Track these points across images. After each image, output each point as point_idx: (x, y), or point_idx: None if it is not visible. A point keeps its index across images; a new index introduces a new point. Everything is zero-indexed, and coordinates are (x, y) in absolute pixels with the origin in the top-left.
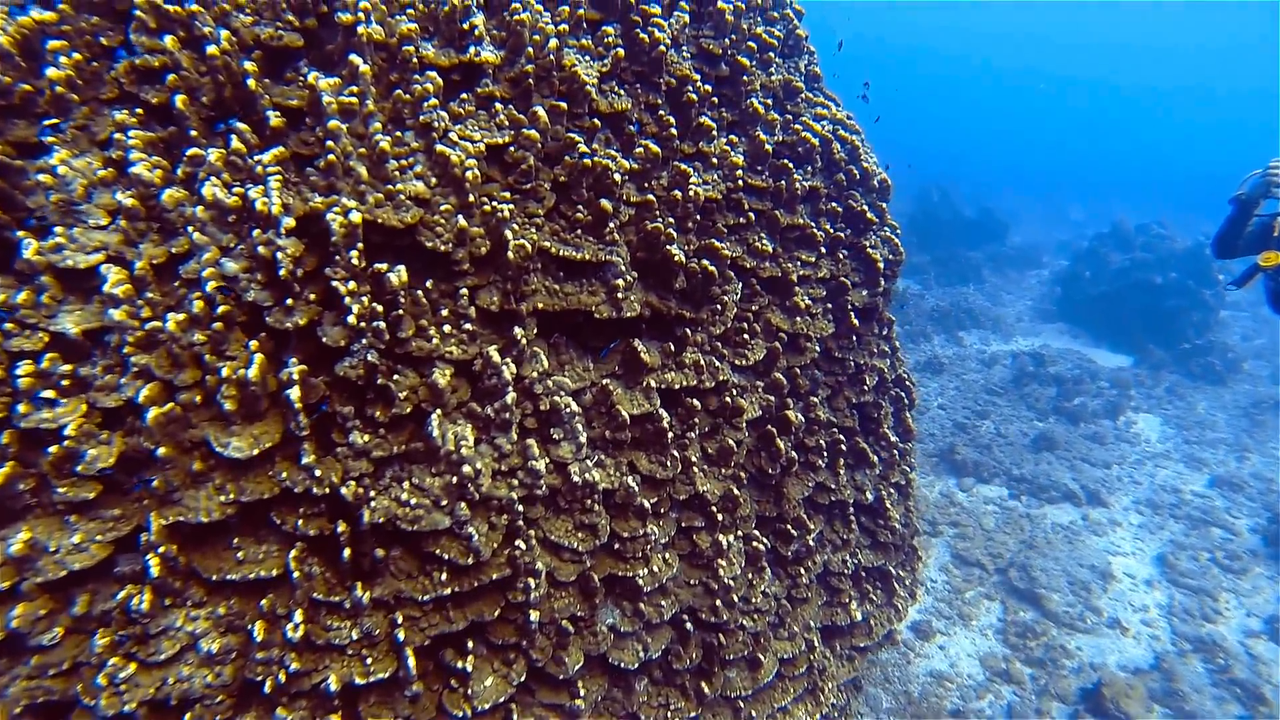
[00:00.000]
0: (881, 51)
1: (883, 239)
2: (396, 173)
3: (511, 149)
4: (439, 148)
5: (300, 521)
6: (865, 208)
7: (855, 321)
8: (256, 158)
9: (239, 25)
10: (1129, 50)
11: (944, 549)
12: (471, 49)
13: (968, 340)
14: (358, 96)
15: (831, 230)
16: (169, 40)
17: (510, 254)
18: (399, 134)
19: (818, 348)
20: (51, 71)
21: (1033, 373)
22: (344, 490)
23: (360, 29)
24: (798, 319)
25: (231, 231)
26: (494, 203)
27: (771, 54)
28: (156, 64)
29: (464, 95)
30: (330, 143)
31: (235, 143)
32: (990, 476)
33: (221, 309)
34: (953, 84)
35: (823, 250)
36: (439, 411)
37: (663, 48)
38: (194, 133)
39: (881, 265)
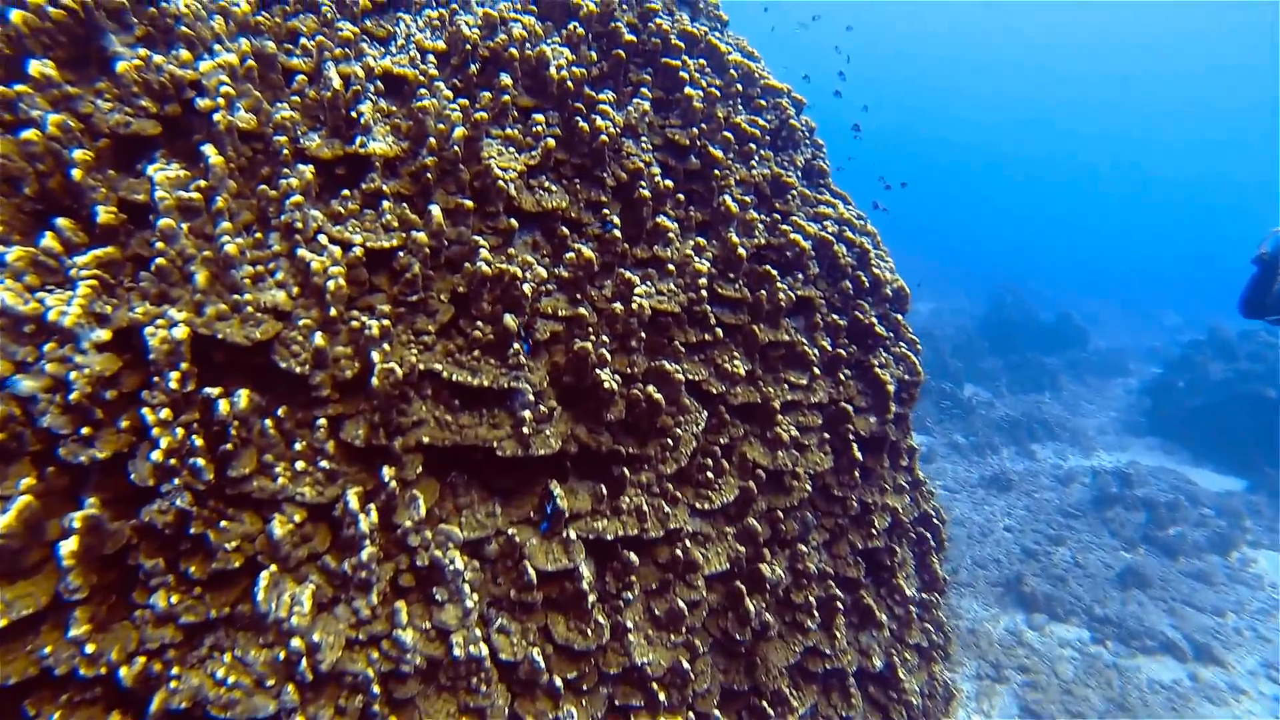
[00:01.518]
0: (945, 142)
1: (897, 356)
2: (248, 280)
3: (401, 255)
4: (300, 252)
5: (58, 715)
6: (874, 320)
7: (859, 454)
8: (75, 259)
9: (87, 110)
10: (1232, 146)
11: (1010, 699)
12: (359, 139)
13: (1041, 454)
14: (203, 192)
15: (830, 347)
16: None
17: (375, 379)
18: (259, 236)
19: (809, 486)
20: None
21: (1117, 494)
22: (123, 672)
23: (217, 115)
24: (781, 453)
25: (30, 344)
26: (364, 318)
27: (753, 145)
28: None
29: (346, 192)
30: (161, 243)
31: (48, 240)
32: (1066, 614)
33: None
34: (1033, 173)
35: (816, 370)
36: (272, 569)
37: (605, 137)
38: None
39: (893, 387)
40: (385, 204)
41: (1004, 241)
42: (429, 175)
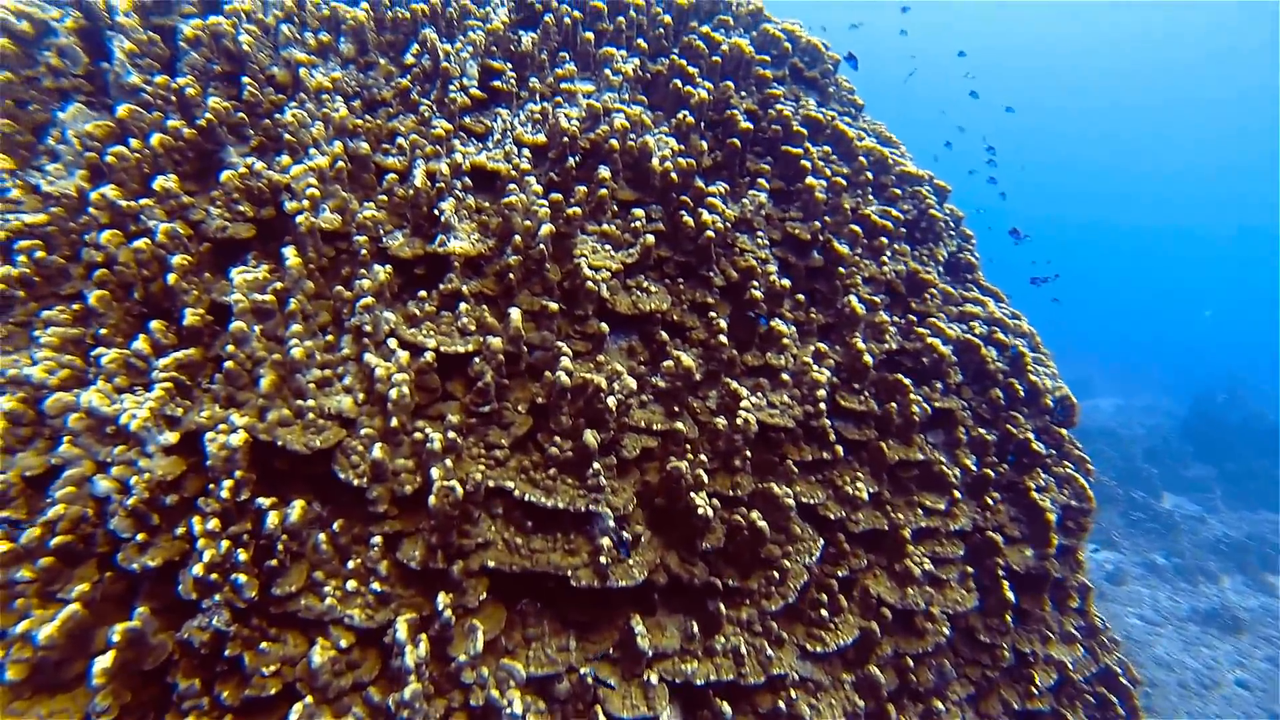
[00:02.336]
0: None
1: (1060, 478)
2: (314, 385)
3: (476, 361)
4: (367, 358)
5: None
6: (1030, 435)
7: (1010, 593)
8: (160, 361)
9: (199, 217)
10: None
11: None
12: (439, 238)
13: None
14: (278, 294)
15: (974, 467)
16: (105, 235)
17: (433, 498)
18: (331, 339)
19: (947, 629)
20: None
21: None
22: None
23: (300, 217)
24: (911, 589)
25: (111, 446)
26: (429, 429)
27: (885, 239)
28: (100, 258)
29: (423, 293)
30: (232, 346)
31: (140, 342)
32: None
33: (59, 538)
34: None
35: (957, 494)
36: (307, 699)
37: (711, 233)
38: (104, 330)
39: (1054, 515)
40: (463, 306)
41: (1202, 326)
42: (512, 276)
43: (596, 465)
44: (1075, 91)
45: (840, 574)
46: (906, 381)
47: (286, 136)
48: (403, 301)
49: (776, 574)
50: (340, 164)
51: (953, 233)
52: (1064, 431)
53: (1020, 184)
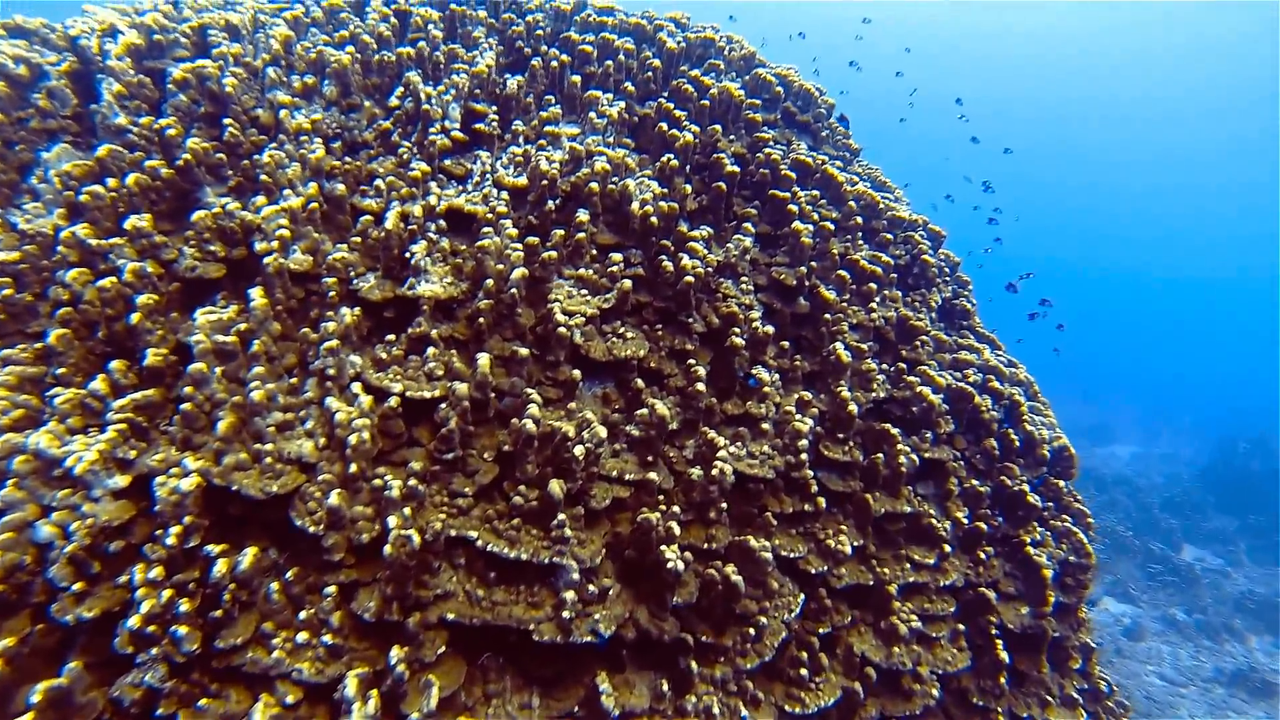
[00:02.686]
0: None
1: (1058, 532)
2: (274, 429)
3: (443, 407)
4: (329, 401)
5: None
6: (1025, 488)
7: (1004, 654)
8: (118, 402)
9: (171, 257)
10: None
11: None
12: (409, 281)
13: None
14: (242, 336)
15: (967, 521)
16: (72, 274)
17: (389, 546)
18: (295, 381)
19: (936, 690)
20: None
21: None
22: None
23: (268, 258)
24: (898, 647)
25: (58, 488)
26: (389, 476)
27: (874, 285)
28: (65, 296)
29: (391, 336)
30: (190, 388)
31: (98, 382)
32: None
33: None
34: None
35: (947, 548)
36: None
37: (691, 278)
38: (63, 370)
39: (1051, 571)
40: (430, 350)
41: (1221, 370)
42: (482, 320)
43: (561, 516)
44: (1076, 123)
45: (822, 631)
46: (894, 431)
47: (263, 177)
48: (371, 345)
49: (753, 630)
50: (314, 205)
51: (947, 278)
52: (1061, 483)
53: (1025, 225)
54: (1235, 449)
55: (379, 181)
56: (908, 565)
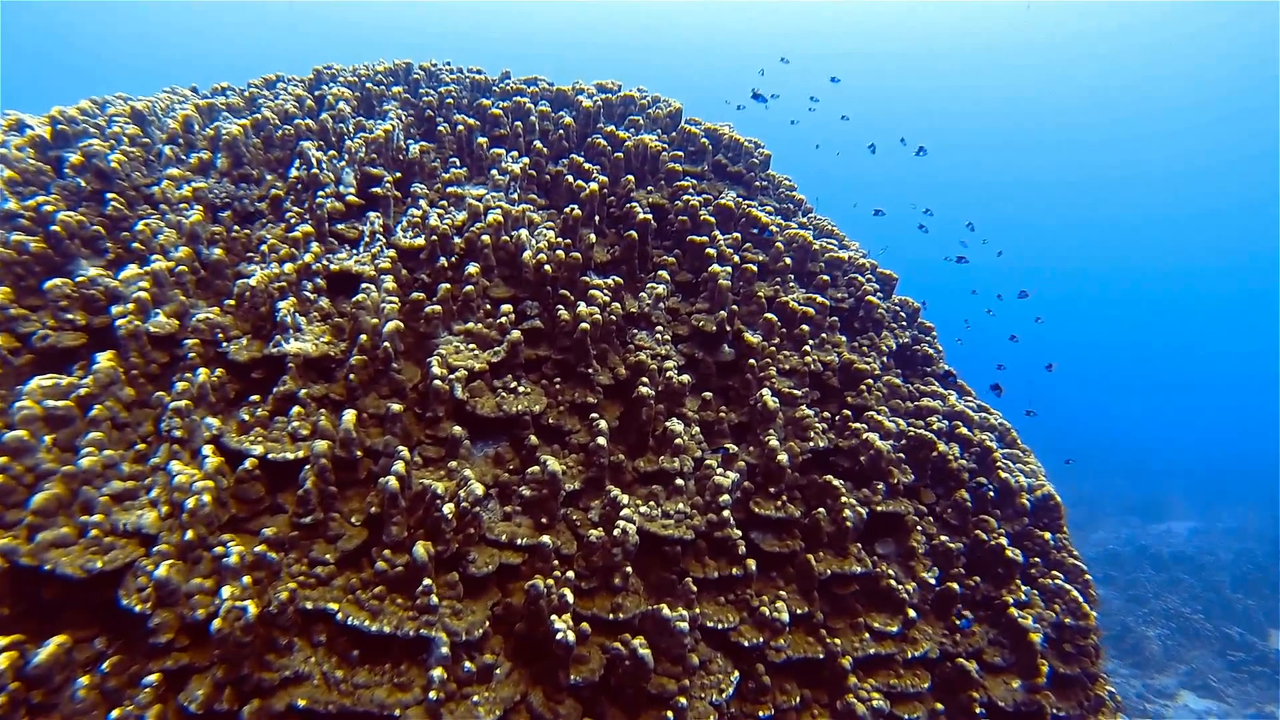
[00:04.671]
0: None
1: (1049, 591)
2: (109, 499)
3: (307, 468)
4: (171, 465)
5: None
6: (1003, 541)
7: None
8: None
9: (30, 329)
10: None
11: None
12: (275, 338)
13: None
14: (80, 401)
15: (934, 583)
16: None
17: (218, 621)
18: (142, 447)
19: None
20: None
21: None
22: None
23: (121, 320)
24: None
25: None
26: (233, 544)
27: (806, 327)
28: None
29: (255, 398)
30: (5, 459)
31: None
32: None
33: None
34: None
35: (911, 613)
36: None
37: (587, 325)
38: None
39: (1037, 636)
40: (295, 409)
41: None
42: (353, 376)
43: (428, 581)
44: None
45: (763, 715)
46: (837, 483)
47: (135, 245)
48: (239, 408)
49: (671, 714)
50: (183, 269)
51: (904, 323)
52: (1047, 535)
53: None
54: (1254, 555)
55: (264, 246)
56: (866, 635)
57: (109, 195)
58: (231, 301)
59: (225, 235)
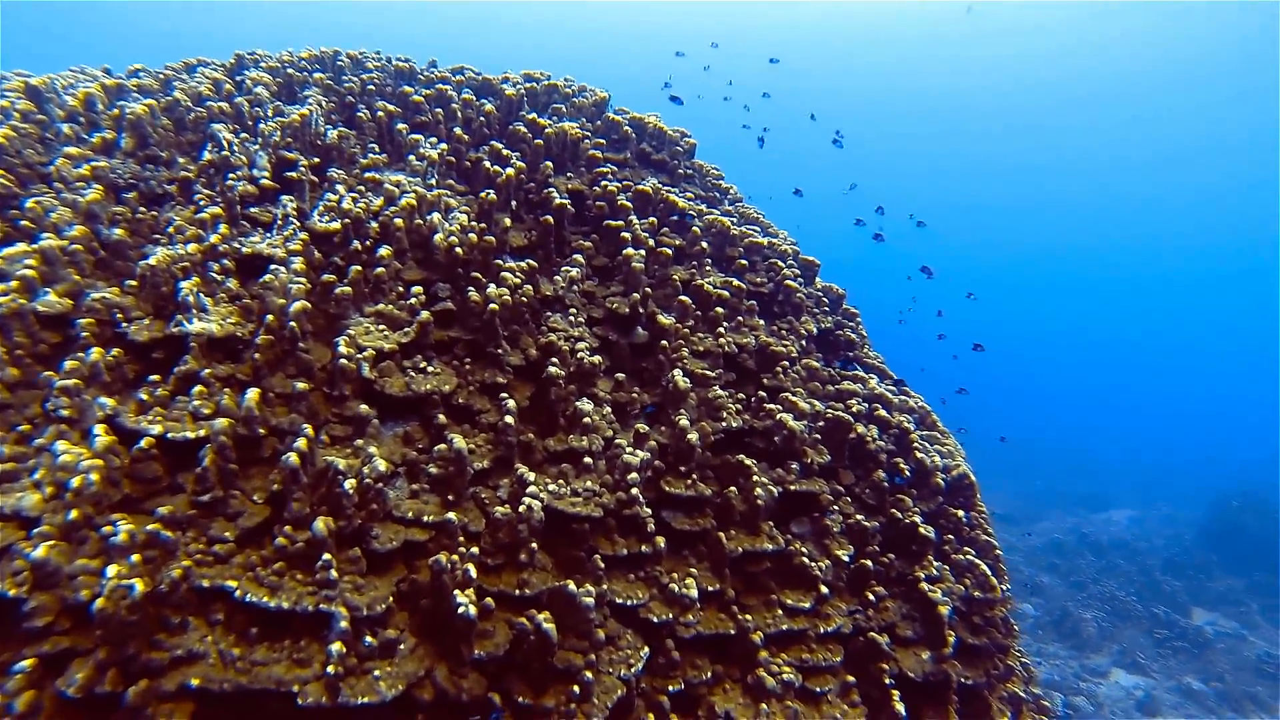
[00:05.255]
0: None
1: (960, 566)
2: None
3: (208, 446)
4: (56, 445)
5: None
6: (916, 519)
7: (899, 705)
8: None
9: None
10: None
11: None
12: (177, 318)
13: None
14: None
15: (848, 560)
16: None
17: (101, 600)
18: (26, 429)
19: None
20: None
21: None
22: None
23: (4, 299)
24: (770, 704)
25: None
26: (122, 523)
27: (721, 309)
28: None
29: (155, 377)
30: None
31: None
32: None
33: None
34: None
35: (824, 589)
36: None
37: (496, 306)
38: None
39: (946, 609)
40: (197, 389)
41: (1221, 421)
42: (258, 355)
43: (328, 556)
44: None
45: (673, 689)
46: (749, 462)
47: (24, 223)
48: (137, 389)
49: (577, 688)
50: (78, 247)
51: (826, 308)
52: (960, 514)
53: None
54: (1231, 504)
55: (170, 228)
56: (779, 611)
57: None
58: (133, 282)
59: (130, 216)
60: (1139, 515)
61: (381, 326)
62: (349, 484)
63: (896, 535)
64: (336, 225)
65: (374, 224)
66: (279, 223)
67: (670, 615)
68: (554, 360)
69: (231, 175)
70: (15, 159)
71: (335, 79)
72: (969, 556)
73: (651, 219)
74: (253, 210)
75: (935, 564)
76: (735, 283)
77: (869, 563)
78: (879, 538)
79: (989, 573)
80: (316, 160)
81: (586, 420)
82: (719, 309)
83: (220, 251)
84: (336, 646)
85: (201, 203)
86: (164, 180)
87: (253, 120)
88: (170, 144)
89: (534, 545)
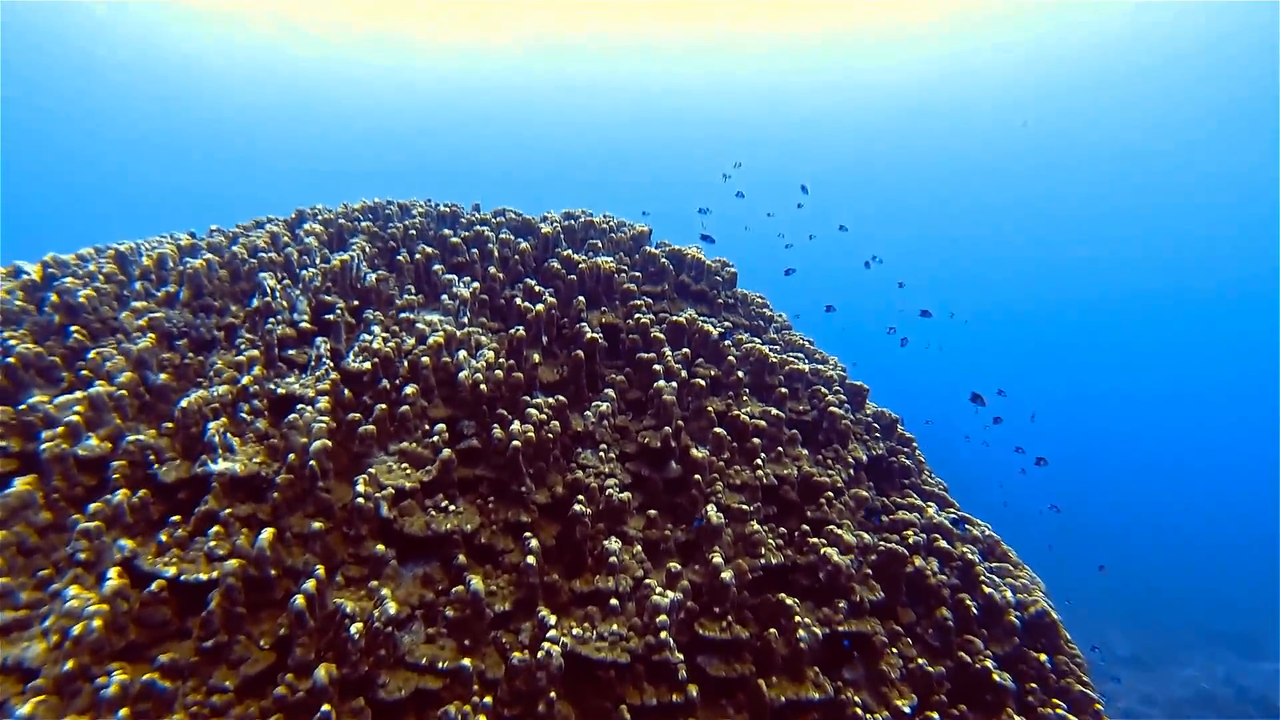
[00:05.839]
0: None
1: None
2: None
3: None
4: (67, 590)
5: None
6: (989, 664)
7: None
8: None
9: None
10: None
11: None
12: (202, 458)
13: None
14: None
15: (909, 710)
16: None
17: None
18: (47, 573)
19: None
20: None
21: None
22: None
23: (48, 444)
24: None
25: None
26: (117, 674)
27: (758, 440)
28: None
29: (176, 518)
30: None
31: None
32: None
33: None
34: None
35: None
36: None
37: (519, 443)
38: None
39: None
40: (214, 529)
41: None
42: (277, 495)
43: (327, 708)
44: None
45: None
46: (790, 601)
47: (84, 373)
48: (157, 530)
49: None
50: (123, 392)
51: (877, 435)
52: (1043, 657)
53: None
54: None
55: (211, 371)
56: None
57: (72, 328)
58: (170, 424)
59: (178, 362)
60: None
61: (404, 465)
62: (355, 628)
63: (966, 682)
64: (368, 365)
65: (405, 364)
66: (312, 364)
67: None
68: (580, 498)
69: (271, 320)
70: (91, 315)
71: (382, 226)
72: (1059, 710)
73: (685, 350)
74: (290, 352)
75: (1017, 718)
76: (774, 412)
77: (936, 715)
78: (946, 685)
79: None
80: (356, 303)
81: (613, 560)
82: (755, 439)
83: (251, 393)
84: None
85: (242, 346)
86: (213, 327)
87: (300, 269)
88: (225, 294)
89: (553, 694)
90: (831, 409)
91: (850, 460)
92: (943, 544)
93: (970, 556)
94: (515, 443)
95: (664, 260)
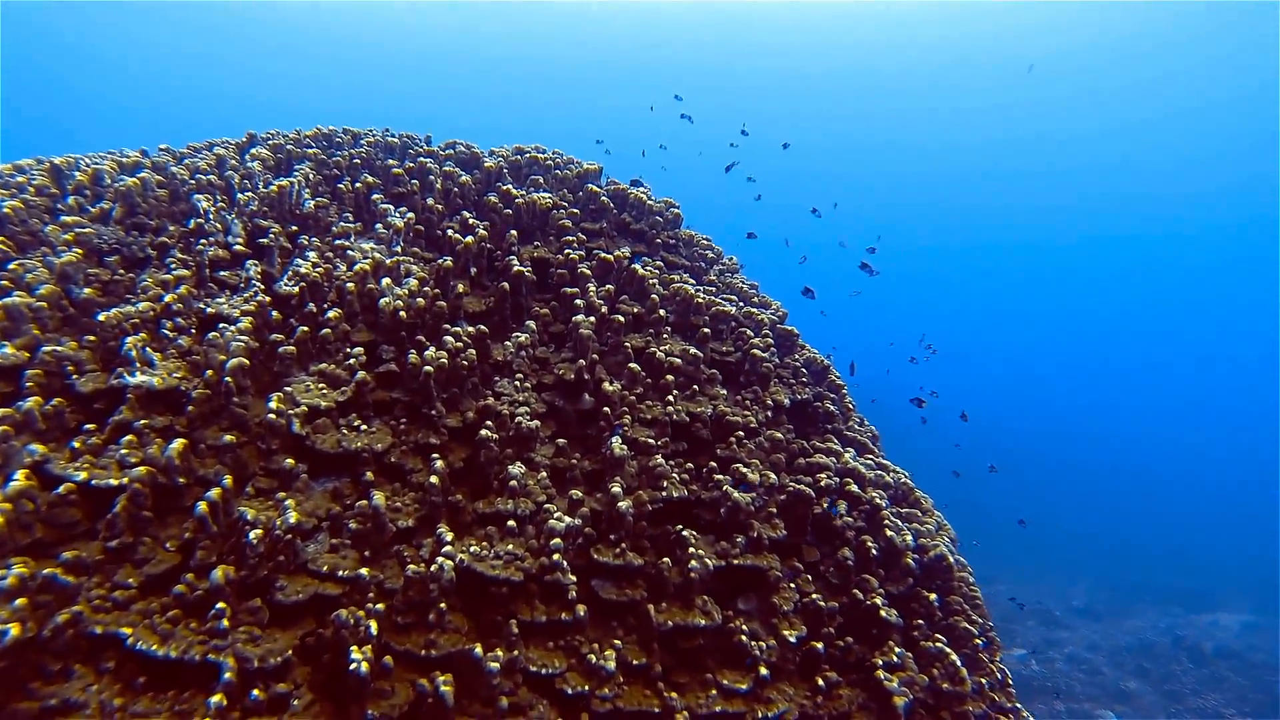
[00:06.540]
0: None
1: (927, 654)
2: None
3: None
4: None
5: None
6: (878, 602)
7: None
8: None
9: None
10: None
11: None
12: (118, 371)
13: None
14: None
15: (794, 641)
16: None
17: None
18: None
19: None
20: None
21: None
22: None
23: None
24: None
25: None
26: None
27: (671, 377)
28: None
29: (90, 427)
30: None
31: None
32: None
33: None
34: None
35: (763, 671)
36: None
37: (431, 369)
38: None
39: (902, 700)
40: (126, 438)
41: None
42: (193, 408)
43: (221, 605)
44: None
45: None
46: (687, 533)
47: (2, 283)
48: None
49: None
50: (43, 304)
51: (804, 379)
52: (932, 597)
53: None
54: None
55: (140, 288)
56: (714, 691)
57: None
58: (91, 337)
59: (107, 278)
60: (1255, 622)
61: (322, 385)
62: (255, 534)
63: (858, 618)
64: (296, 289)
65: (334, 290)
66: (242, 286)
67: (587, 687)
68: (487, 423)
69: (204, 241)
70: (18, 227)
71: (329, 154)
72: (939, 644)
73: (609, 287)
74: (224, 274)
75: (898, 651)
76: (693, 351)
77: (819, 645)
78: (839, 620)
79: (958, 664)
80: (294, 229)
81: (513, 484)
82: (670, 376)
83: (175, 310)
84: (217, 699)
85: (172, 265)
86: (146, 245)
87: (240, 191)
88: (162, 213)
89: (443, 605)
90: (754, 351)
91: (769, 402)
92: (853, 488)
93: (878, 501)
94: (428, 368)
95: (604, 199)
